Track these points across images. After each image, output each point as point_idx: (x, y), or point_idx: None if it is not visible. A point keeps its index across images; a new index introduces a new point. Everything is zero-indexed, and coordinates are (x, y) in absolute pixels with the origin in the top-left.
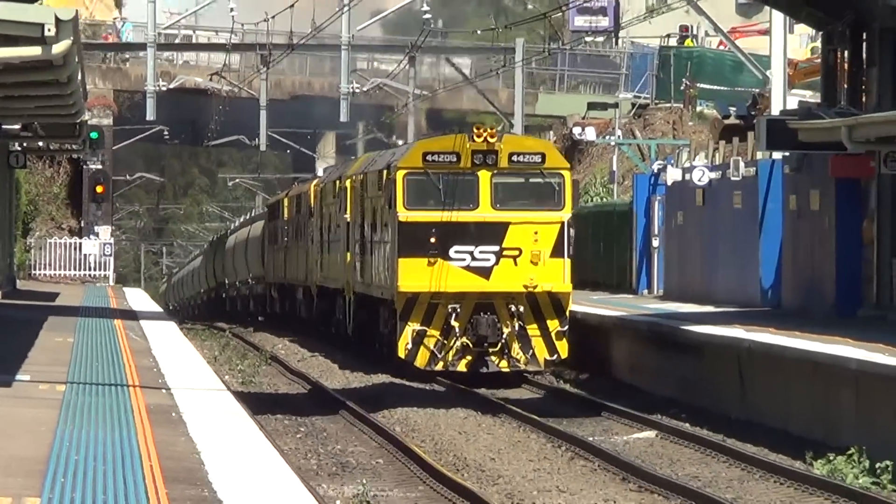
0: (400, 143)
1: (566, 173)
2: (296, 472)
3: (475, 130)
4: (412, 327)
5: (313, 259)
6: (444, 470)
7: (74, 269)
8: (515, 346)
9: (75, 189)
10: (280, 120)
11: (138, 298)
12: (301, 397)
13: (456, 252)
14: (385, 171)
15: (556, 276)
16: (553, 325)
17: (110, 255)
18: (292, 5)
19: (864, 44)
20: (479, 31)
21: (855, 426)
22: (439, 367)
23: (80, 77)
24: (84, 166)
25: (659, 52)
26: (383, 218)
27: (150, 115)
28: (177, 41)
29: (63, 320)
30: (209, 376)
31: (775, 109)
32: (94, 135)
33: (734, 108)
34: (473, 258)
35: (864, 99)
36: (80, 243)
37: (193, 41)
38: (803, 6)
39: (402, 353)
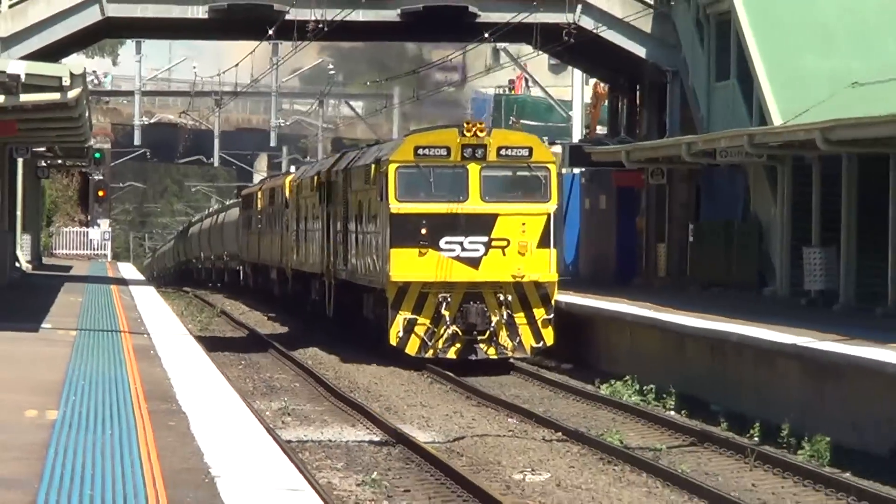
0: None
1: (552, 167)
2: (237, 392)
3: (465, 125)
4: (403, 315)
5: (288, 245)
6: (341, 390)
7: (83, 250)
8: (503, 334)
9: (83, 193)
10: (228, 145)
11: (128, 270)
12: (241, 340)
13: (446, 243)
14: (375, 165)
15: (542, 266)
16: (539, 313)
17: (108, 240)
18: (237, 64)
19: (638, 93)
20: (368, 83)
21: (629, 361)
22: (429, 354)
23: (87, 114)
24: (90, 177)
25: (494, 97)
26: (372, 210)
27: (137, 141)
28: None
29: (74, 285)
30: (177, 325)
31: (575, 138)
32: (97, 155)
33: (546, 138)
34: (463, 249)
35: (637, 131)
36: (87, 231)
37: (169, 88)
38: (595, 67)
39: (393, 341)
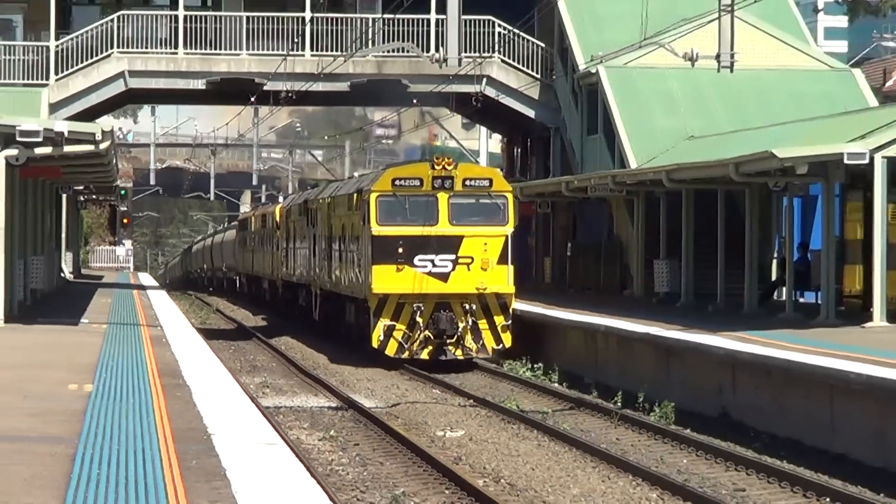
0: (290, 194)
1: (509, 195)
2: (228, 370)
3: (435, 160)
4: (384, 322)
5: (279, 260)
6: (307, 368)
7: (111, 263)
8: (469, 338)
9: (112, 220)
10: (221, 184)
11: (146, 279)
12: (232, 331)
13: (419, 260)
14: (357, 194)
15: (501, 280)
16: (499, 320)
17: (130, 256)
18: (227, 123)
19: (528, 144)
20: (326, 137)
21: (523, 345)
22: (406, 355)
23: (114, 161)
24: (116, 208)
25: (421, 148)
26: (354, 232)
27: (152, 181)
28: (165, 141)
29: (105, 290)
30: (182, 320)
31: None
32: (122, 192)
33: None
34: (434, 265)
35: (528, 173)
36: (115, 249)
37: (176, 141)
38: (496, 125)
39: (375, 344)
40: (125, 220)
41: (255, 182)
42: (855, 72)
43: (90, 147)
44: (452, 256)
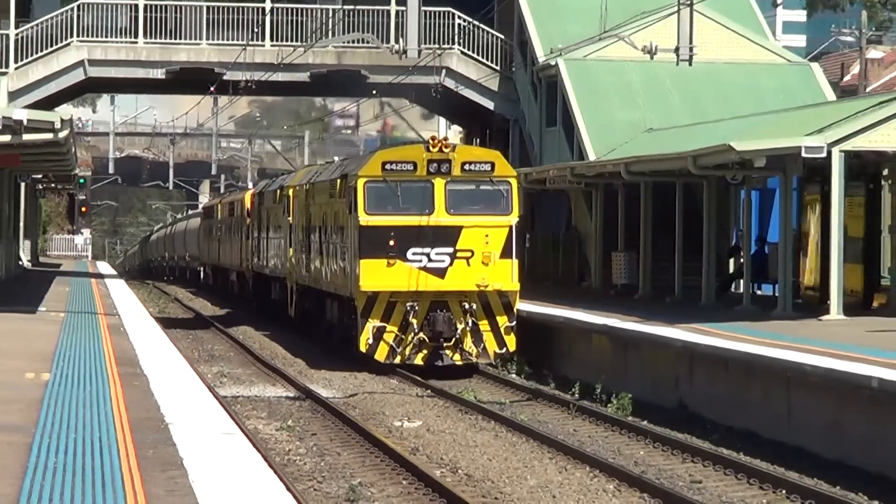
0: (249, 184)
1: (513, 180)
2: (186, 359)
3: (430, 141)
4: (372, 324)
5: (249, 250)
6: (263, 357)
7: (70, 251)
8: (468, 341)
9: (70, 209)
10: (180, 173)
11: (104, 267)
12: (190, 320)
13: (413, 254)
14: (342, 180)
15: (505, 276)
16: (502, 320)
17: (89, 244)
18: (187, 112)
19: (487, 136)
20: (285, 127)
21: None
22: (397, 360)
23: (73, 150)
24: (75, 197)
25: (380, 139)
26: (338, 221)
27: (111, 170)
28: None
29: (63, 279)
30: (140, 308)
31: None
32: (81, 181)
33: None
34: (430, 259)
35: None
36: (73, 238)
37: (135, 130)
38: (456, 116)
39: (363, 348)
40: (83, 209)
41: (214, 171)
42: (813, 66)
43: (49, 135)
44: (450, 249)
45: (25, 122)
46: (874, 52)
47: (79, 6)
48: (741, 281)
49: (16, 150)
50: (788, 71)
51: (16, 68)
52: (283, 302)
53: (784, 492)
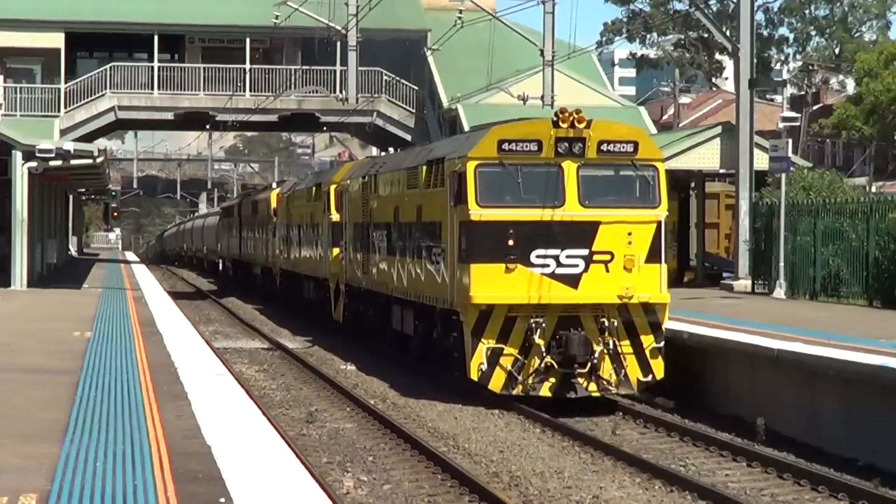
0: (235, 197)
1: (660, 165)
2: (190, 321)
3: (560, 115)
4: (486, 345)
5: (275, 247)
6: (247, 321)
7: (105, 245)
8: (607, 366)
9: (105, 213)
10: (185, 188)
11: (130, 256)
12: (193, 293)
13: (538, 257)
14: (436, 165)
15: (652, 284)
16: (648, 341)
17: (119, 239)
18: (189, 144)
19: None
20: (261, 154)
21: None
22: (518, 391)
23: (107, 171)
24: (109, 205)
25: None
26: (426, 216)
27: (135, 185)
28: (143, 157)
29: (101, 264)
30: (157, 285)
31: None
32: (113, 193)
33: None
34: (559, 264)
35: None
36: (108, 234)
37: (152, 156)
38: (384, 146)
39: (474, 375)
40: (115, 214)
41: (209, 186)
42: (640, 108)
43: (89, 161)
44: (584, 251)
45: (72, 152)
46: (684, 98)
47: (111, 67)
48: None
49: (65, 171)
50: (623, 112)
51: (65, 112)
52: (320, 301)
53: None
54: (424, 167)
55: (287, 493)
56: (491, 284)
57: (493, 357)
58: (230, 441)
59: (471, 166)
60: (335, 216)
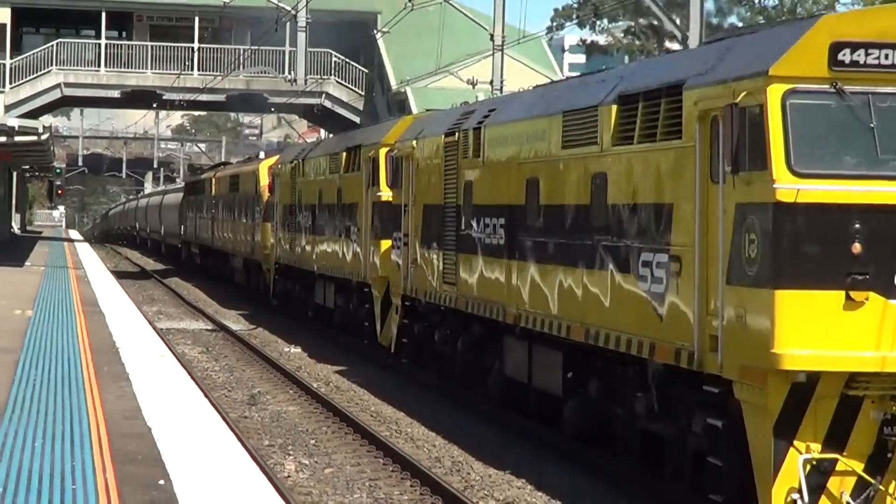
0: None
1: None
2: (132, 301)
3: None
4: (803, 454)
5: (268, 237)
6: (191, 302)
7: (49, 222)
8: None
9: (50, 191)
10: (131, 166)
11: (74, 234)
12: (138, 273)
13: None
14: (668, 104)
15: None
16: None
17: (63, 217)
18: (136, 122)
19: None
20: (208, 133)
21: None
22: None
23: (52, 148)
24: (53, 183)
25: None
26: (633, 195)
27: (80, 163)
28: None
29: (44, 243)
30: (100, 264)
31: None
32: (57, 171)
33: None
34: None
35: None
36: (52, 212)
37: (98, 134)
38: (333, 128)
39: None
40: (59, 192)
41: (155, 165)
42: None
43: (34, 138)
44: None
45: (17, 128)
46: None
47: (57, 43)
48: None
49: (8, 148)
50: None
51: (10, 88)
52: (350, 313)
53: None
54: (665, 103)
55: (227, 475)
56: (809, 329)
57: (817, 477)
58: (171, 423)
59: (774, 98)
60: (386, 193)
